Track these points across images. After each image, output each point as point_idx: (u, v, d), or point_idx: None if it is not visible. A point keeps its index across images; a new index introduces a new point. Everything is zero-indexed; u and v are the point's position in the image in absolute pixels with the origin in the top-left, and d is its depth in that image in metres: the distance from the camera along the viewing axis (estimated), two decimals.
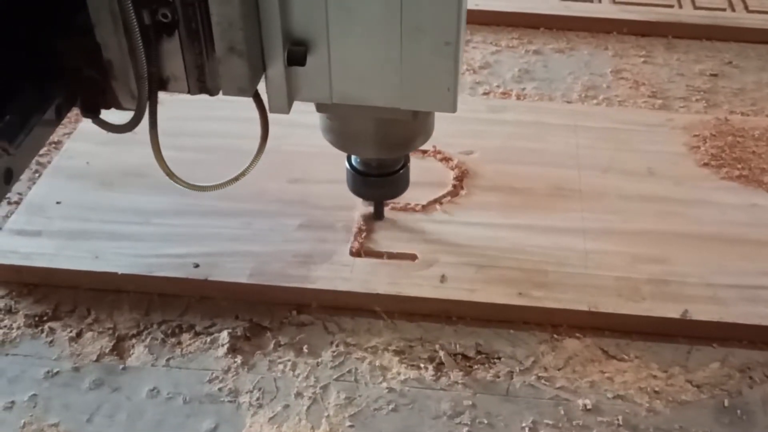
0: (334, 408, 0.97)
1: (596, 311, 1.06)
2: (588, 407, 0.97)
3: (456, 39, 0.81)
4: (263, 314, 1.07)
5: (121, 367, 1.01)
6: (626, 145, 1.32)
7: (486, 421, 0.96)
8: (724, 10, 1.70)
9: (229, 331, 1.04)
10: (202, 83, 0.86)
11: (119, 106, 0.89)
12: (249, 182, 1.24)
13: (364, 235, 1.14)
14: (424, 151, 1.29)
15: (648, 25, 1.66)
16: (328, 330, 1.06)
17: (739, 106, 1.47)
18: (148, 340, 1.04)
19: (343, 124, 1.00)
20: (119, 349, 1.02)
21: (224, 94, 0.86)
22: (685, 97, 1.50)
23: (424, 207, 1.20)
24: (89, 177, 1.25)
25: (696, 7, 1.70)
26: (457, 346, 1.04)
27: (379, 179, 1.08)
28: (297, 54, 0.82)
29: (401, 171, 1.09)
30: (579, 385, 1.00)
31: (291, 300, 1.08)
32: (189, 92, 0.87)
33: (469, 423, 0.96)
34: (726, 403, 0.98)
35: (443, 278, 1.09)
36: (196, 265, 1.09)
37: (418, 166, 1.28)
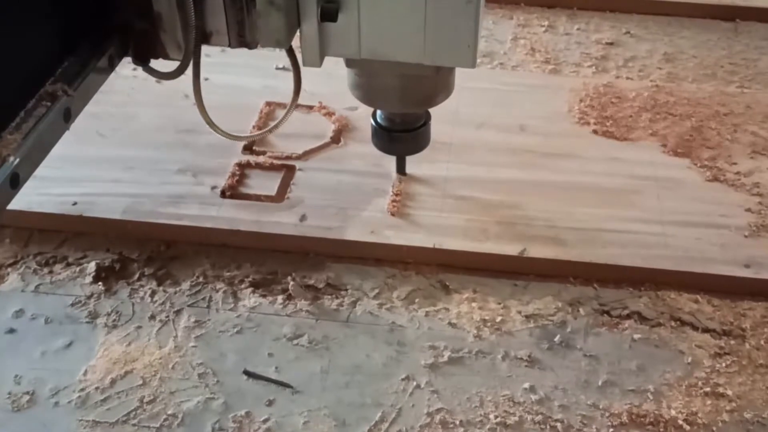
0: (182, 330, 1.05)
1: (440, 248, 1.13)
2: (419, 334, 1.05)
3: None
4: (133, 249, 1.15)
5: None
6: (504, 104, 1.40)
7: (323, 344, 1.04)
8: None
9: (98, 262, 1.12)
10: (242, 37, 0.96)
11: (166, 56, 0.99)
12: (137, 131, 1.33)
13: (236, 179, 1.22)
14: (310, 107, 1.37)
15: None
16: (192, 263, 1.14)
17: (626, 72, 1.54)
18: (22, 269, 1.12)
19: (370, 80, 1.07)
20: None
21: (262, 46, 0.96)
22: (578, 63, 1.57)
23: (300, 156, 1.28)
24: None
25: None
26: (309, 279, 1.12)
27: (402, 134, 1.16)
28: (329, 10, 0.92)
29: (423, 127, 1.16)
30: (415, 315, 1.08)
31: (160, 236, 1.16)
32: (230, 45, 0.97)
33: (306, 344, 1.04)
34: (548, 331, 1.05)
35: (303, 217, 1.17)
36: (74, 203, 1.17)
37: (303, 119, 1.36)
